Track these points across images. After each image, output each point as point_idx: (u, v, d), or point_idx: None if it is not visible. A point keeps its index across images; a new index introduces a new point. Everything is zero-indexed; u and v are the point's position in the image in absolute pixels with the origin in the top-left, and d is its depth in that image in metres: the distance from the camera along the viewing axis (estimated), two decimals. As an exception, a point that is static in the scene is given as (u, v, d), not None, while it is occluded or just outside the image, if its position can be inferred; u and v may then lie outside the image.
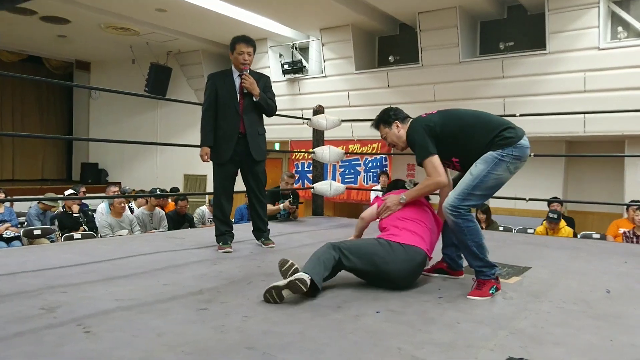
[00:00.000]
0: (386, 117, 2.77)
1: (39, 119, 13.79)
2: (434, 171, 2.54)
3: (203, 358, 1.58)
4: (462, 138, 2.53)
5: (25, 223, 7.33)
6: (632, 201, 6.00)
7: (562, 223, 6.09)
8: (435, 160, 2.54)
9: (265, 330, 1.86)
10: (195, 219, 7.13)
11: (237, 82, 3.56)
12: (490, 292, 2.39)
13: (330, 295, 2.37)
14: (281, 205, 5.26)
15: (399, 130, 2.72)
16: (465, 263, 2.66)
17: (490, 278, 2.43)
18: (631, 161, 7.26)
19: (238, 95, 3.56)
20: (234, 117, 3.54)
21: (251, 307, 2.15)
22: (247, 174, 3.70)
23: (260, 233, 3.79)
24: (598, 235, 6.06)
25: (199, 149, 3.59)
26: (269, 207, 5.32)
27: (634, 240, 5.52)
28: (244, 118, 3.56)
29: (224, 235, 3.60)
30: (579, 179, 8.34)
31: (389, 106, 2.88)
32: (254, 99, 3.56)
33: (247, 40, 3.53)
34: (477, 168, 2.43)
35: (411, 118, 2.77)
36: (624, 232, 5.71)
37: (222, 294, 2.37)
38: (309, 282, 2.24)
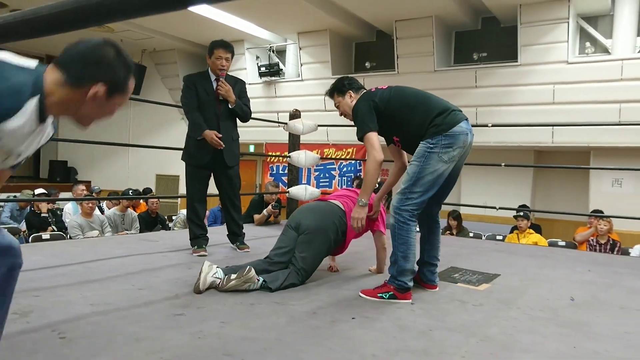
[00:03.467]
0: (340, 86, 2.78)
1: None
2: (370, 148, 2.53)
3: (181, 365, 1.59)
4: (402, 118, 2.56)
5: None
6: (594, 210, 6.23)
7: (530, 230, 6.28)
8: (372, 136, 2.53)
9: (243, 336, 1.88)
10: (177, 225, 6.99)
11: (215, 85, 3.56)
12: (380, 295, 2.46)
13: (306, 300, 2.40)
14: (265, 211, 5.31)
15: (352, 101, 2.72)
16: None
17: (391, 284, 2.47)
18: (595, 172, 7.53)
19: (215, 100, 3.56)
20: (212, 122, 3.54)
21: (228, 313, 2.16)
22: (220, 178, 3.69)
23: (235, 237, 3.79)
24: (563, 243, 6.26)
25: (170, 153, 3.54)
26: (255, 217, 5.37)
27: (597, 248, 5.73)
28: (221, 124, 3.56)
29: (199, 239, 3.59)
30: (547, 187, 8.60)
31: (346, 70, 2.93)
32: (230, 106, 3.57)
33: (226, 46, 3.52)
34: (411, 167, 2.48)
35: (365, 89, 2.78)
36: (588, 240, 5.92)
37: (198, 299, 2.37)
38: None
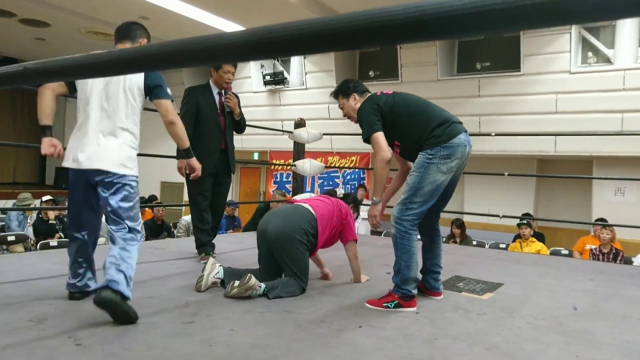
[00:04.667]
0: (344, 88, 2.84)
1: (11, 122, 13.51)
2: (377, 148, 2.59)
3: (194, 371, 1.64)
4: (404, 125, 2.62)
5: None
6: (598, 219, 6.26)
7: (533, 238, 6.32)
8: (378, 136, 2.59)
9: (252, 344, 1.92)
10: (180, 231, 7.05)
11: (217, 98, 3.69)
12: (385, 305, 2.50)
13: (313, 309, 2.45)
14: None
15: (356, 103, 2.79)
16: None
17: (396, 293, 2.52)
18: (598, 181, 7.56)
19: (219, 111, 3.69)
20: (217, 133, 3.67)
21: (236, 321, 2.21)
22: (219, 184, 3.79)
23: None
24: (567, 252, 6.29)
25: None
26: None
27: (600, 257, 5.75)
28: (226, 134, 3.72)
29: (205, 246, 3.66)
30: (550, 196, 8.63)
31: (349, 78, 3.01)
32: (235, 118, 3.73)
33: None
34: (411, 177, 2.52)
35: (370, 93, 2.83)
36: (591, 249, 5.94)
37: (207, 306, 2.42)
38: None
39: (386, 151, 2.59)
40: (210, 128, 3.64)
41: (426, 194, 2.49)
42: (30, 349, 1.76)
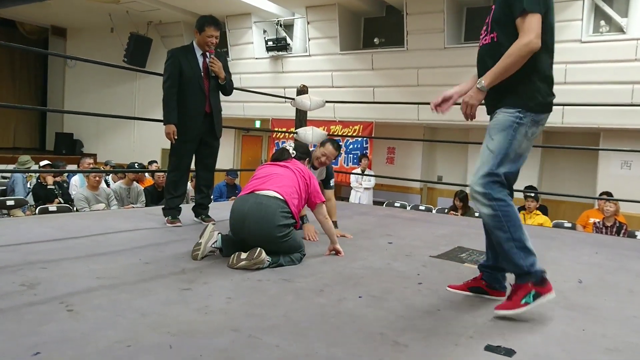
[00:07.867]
0: None
1: (11, 86, 13.34)
2: (528, 30, 1.91)
3: (189, 339, 1.59)
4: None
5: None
6: (602, 193, 6.18)
7: (537, 211, 6.27)
8: (537, 18, 1.92)
9: (249, 313, 1.87)
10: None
11: (201, 60, 3.58)
12: (524, 302, 1.94)
13: (313, 278, 2.40)
14: None
15: None
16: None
17: (527, 281, 1.97)
18: (605, 154, 7.44)
19: (202, 74, 3.58)
20: (200, 96, 3.57)
21: (233, 289, 2.16)
22: (205, 149, 3.72)
23: (202, 210, 3.83)
24: (569, 224, 6.23)
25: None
26: None
27: (603, 230, 5.70)
28: (210, 97, 3.63)
29: (172, 210, 3.67)
30: (555, 168, 8.53)
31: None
32: (220, 82, 3.62)
33: (217, 24, 3.57)
34: (495, 140, 2.04)
35: None
36: (595, 223, 5.89)
37: (204, 274, 2.36)
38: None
39: (536, 39, 1.91)
40: (194, 91, 3.55)
41: (511, 162, 2.02)
42: (20, 314, 1.70)
